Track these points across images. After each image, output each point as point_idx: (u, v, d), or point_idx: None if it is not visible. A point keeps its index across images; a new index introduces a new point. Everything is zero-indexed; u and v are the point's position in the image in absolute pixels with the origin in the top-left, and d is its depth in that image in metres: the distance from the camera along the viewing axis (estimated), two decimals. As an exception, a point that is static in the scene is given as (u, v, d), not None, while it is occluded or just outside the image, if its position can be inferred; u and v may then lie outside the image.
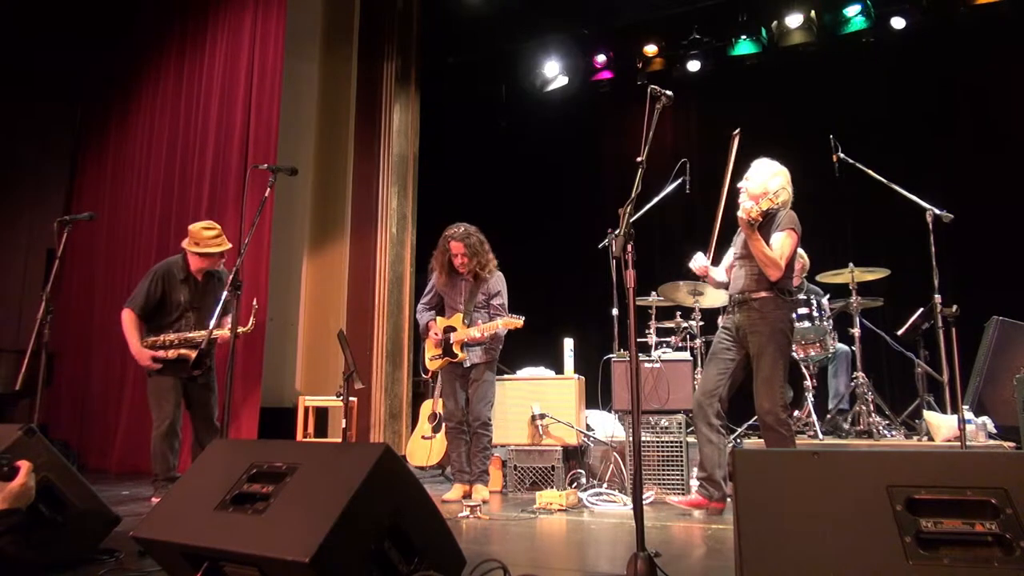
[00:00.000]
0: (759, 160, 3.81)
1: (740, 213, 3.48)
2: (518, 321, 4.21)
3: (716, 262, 3.89)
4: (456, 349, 4.31)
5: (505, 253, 4.57)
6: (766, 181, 3.65)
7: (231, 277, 3.45)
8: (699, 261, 3.81)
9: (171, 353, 4.06)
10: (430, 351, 4.48)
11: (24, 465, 2.15)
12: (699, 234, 5.72)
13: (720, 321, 3.90)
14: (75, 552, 2.46)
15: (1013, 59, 6.61)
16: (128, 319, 4.11)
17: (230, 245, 4.37)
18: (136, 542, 2.07)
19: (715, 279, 3.88)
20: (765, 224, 3.61)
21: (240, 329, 3.99)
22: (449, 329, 4.38)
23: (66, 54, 7.43)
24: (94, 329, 6.62)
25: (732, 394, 3.72)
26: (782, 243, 3.52)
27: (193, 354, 4.05)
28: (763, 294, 3.55)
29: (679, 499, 3.80)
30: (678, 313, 5.53)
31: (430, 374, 4.80)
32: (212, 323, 3.76)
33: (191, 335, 4.11)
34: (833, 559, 1.55)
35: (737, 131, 3.71)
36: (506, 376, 5.07)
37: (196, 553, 1.90)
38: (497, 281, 4.44)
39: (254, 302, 4.24)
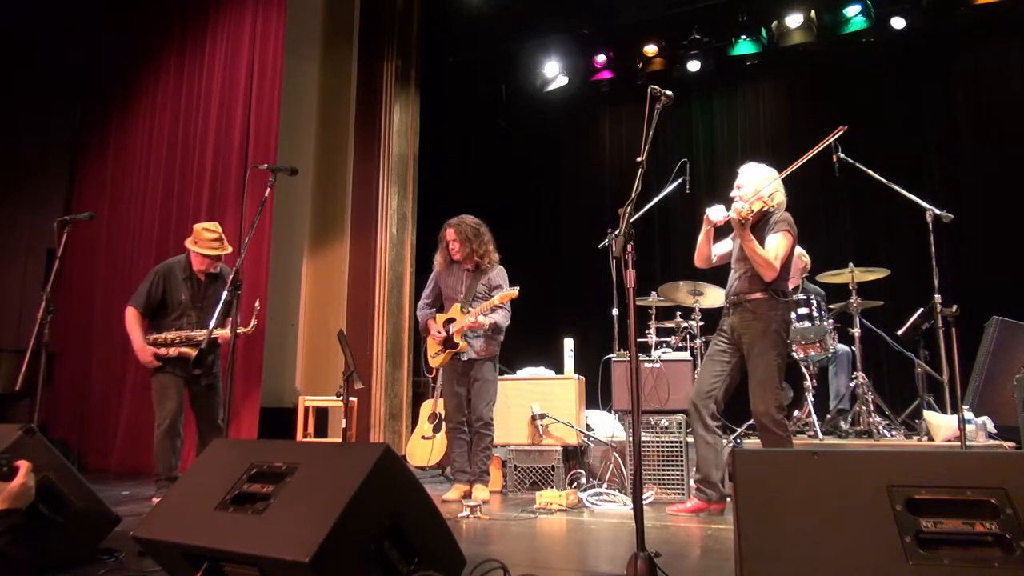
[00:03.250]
0: (747, 165, 3.81)
1: (731, 213, 3.47)
2: (513, 291, 4.18)
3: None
4: (457, 338, 4.29)
5: (505, 253, 4.57)
6: (757, 184, 3.64)
7: (231, 277, 3.45)
8: (719, 213, 3.60)
9: (172, 351, 4.09)
10: (432, 348, 4.46)
11: (24, 465, 2.15)
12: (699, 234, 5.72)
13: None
14: (75, 552, 2.46)
15: (1013, 59, 6.61)
16: (131, 316, 4.16)
17: (229, 249, 4.35)
18: (136, 542, 2.07)
19: (710, 249, 3.76)
20: (760, 226, 3.61)
21: (241, 330, 4.02)
22: (448, 322, 4.37)
23: (66, 54, 7.42)
24: (94, 329, 6.62)
25: (728, 395, 3.72)
26: (777, 244, 3.51)
27: (193, 352, 4.05)
28: (757, 295, 3.55)
29: (679, 507, 3.80)
30: (678, 313, 5.53)
31: (433, 372, 4.78)
32: (212, 323, 3.74)
33: (192, 333, 4.12)
34: (833, 559, 1.55)
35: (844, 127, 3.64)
36: (506, 376, 5.06)
37: (196, 553, 1.90)
38: (498, 274, 4.42)
39: (256, 303, 4.24)
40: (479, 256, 4.37)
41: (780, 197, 3.66)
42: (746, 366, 3.60)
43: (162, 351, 4.09)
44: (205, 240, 4.21)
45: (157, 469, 4.07)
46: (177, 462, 4.09)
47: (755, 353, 3.53)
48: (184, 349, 4.08)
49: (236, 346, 3.52)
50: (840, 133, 3.58)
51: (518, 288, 4.21)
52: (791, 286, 3.93)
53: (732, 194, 3.75)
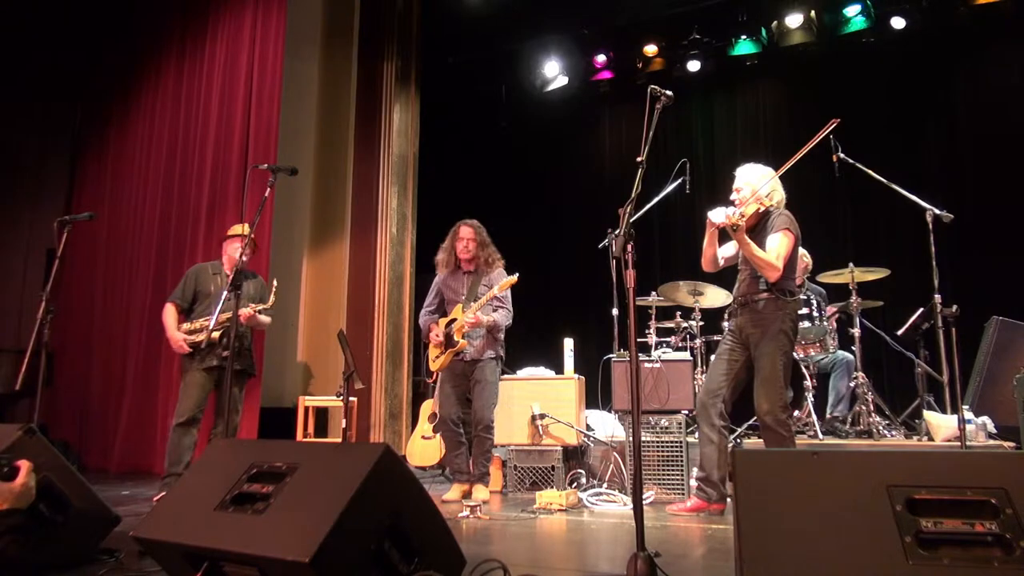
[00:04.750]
0: (744, 167, 3.79)
1: (723, 220, 3.46)
2: (512, 278, 4.20)
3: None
4: (457, 336, 4.28)
5: (505, 253, 4.58)
6: (756, 185, 3.63)
7: (231, 277, 3.46)
8: (720, 215, 3.50)
9: (201, 336, 4.20)
10: (433, 353, 4.46)
11: (24, 465, 2.15)
12: (699, 234, 5.71)
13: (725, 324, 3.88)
14: (75, 552, 2.46)
15: (1013, 59, 6.61)
16: (166, 310, 4.41)
17: (250, 234, 4.45)
18: (136, 542, 2.07)
19: (716, 251, 3.72)
20: (760, 226, 3.61)
21: (262, 307, 4.31)
22: (450, 323, 4.37)
23: (66, 54, 7.43)
24: (94, 329, 6.62)
25: (736, 395, 3.71)
26: (778, 243, 3.51)
27: (217, 335, 4.14)
28: (764, 295, 3.55)
29: (679, 507, 3.79)
30: (678, 313, 5.53)
31: (434, 377, 4.77)
32: (215, 314, 3.78)
33: (219, 318, 4.18)
34: (833, 559, 1.55)
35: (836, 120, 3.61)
36: (506, 376, 5.06)
37: (196, 553, 1.90)
38: (499, 275, 4.41)
39: (274, 281, 4.40)
40: (488, 262, 4.41)
41: (779, 196, 3.65)
42: (753, 365, 3.60)
43: (191, 338, 4.23)
44: (234, 228, 4.53)
45: (166, 464, 4.13)
46: (188, 458, 4.09)
47: (761, 352, 3.52)
48: (214, 334, 4.15)
49: (235, 345, 3.52)
50: (834, 126, 3.57)
51: (517, 275, 4.21)
52: (796, 284, 3.92)
53: (732, 197, 3.74)
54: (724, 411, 3.68)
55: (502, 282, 4.21)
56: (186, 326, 4.30)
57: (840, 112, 3.54)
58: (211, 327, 4.01)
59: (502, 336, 4.42)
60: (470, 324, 4.23)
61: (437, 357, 4.41)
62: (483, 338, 4.32)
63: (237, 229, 4.53)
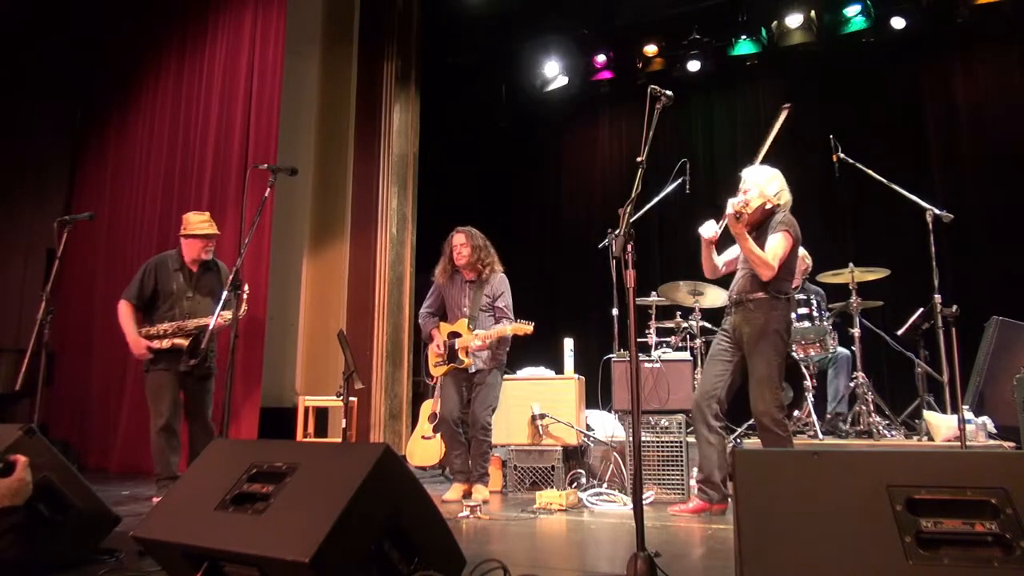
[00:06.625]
0: (750, 168, 3.78)
1: (728, 210, 3.45)
2: (528, 327, 4.15)
3: (721, 250, 3.83)
4: (462, 355, 4.28)
5: (505, 253, 4.57)
6: (763, 185, 3.64)
7: (231, 277, 3.45)
8: (710, 229, 3.66)
9: (165, 343, 4.06)
10: (434, 357, 4.45)
11: (20, 460, 2.15)
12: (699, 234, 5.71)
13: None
14: (75, 552, 2.46)
15: (1014, 59, 6.61)
16: (123, 310, 4.16)
17: (217, 232, 4.39)
18: (136, 542, 2.07)
19: (714, 261, 3.77)
20: (762, 226, 3.61)
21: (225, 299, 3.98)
22: (454, 335, 4.35)
23: (66, 54, 7.43)
24: (94, 329, 6.61)
25: (731, 395, 3.71)
26: (776, 244, 3.51)
27: (186, 343, 4.02)
28: (758, 295, 3.55)
29: (681, 508, 3.79)
30: (678, 313, 5.53)
31: (435, 380, 4.77)
32: (213, 318, 3.74)
33: (185, 324, 4.10)
34: (833, 559, 1.55)
35: (788, 105, 3.67)
36: (506, 376, 5.06)
37: (196, 553, 1.90)
38: (500, 282, 4.40)
39: (245, 287, 4.16)
40: (483, 265, 4.37)
41: (786, 197, 3.66)
42: (747, 365, 3.60)
43: (155, 343, 4.07)
44: (194, 223, 4.26)
45: (156, 468, 4.08)
46: (176, 460, 4.09)
47: (755, 352, 3.53)
48: (177, 340, 4.05)
49: (236, 346, 3.52)
50: (785, 113, 3.57)
51: (533, 324, 4.16)
52: (792, 286, 3.92)
53: (737, 199, 3.73)
54: (720, 412, 3.68)
55: (516, 326, 4.15)
56: (147, 329, 4.12)
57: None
58: (200, 332, 3.93)
59: (507, 347, 4.40)
60: (477, 348, 4.24)
61: (437, 364, 4.41)
62: (488, 352, 4.31)
63: (191, 218, 4.32)
